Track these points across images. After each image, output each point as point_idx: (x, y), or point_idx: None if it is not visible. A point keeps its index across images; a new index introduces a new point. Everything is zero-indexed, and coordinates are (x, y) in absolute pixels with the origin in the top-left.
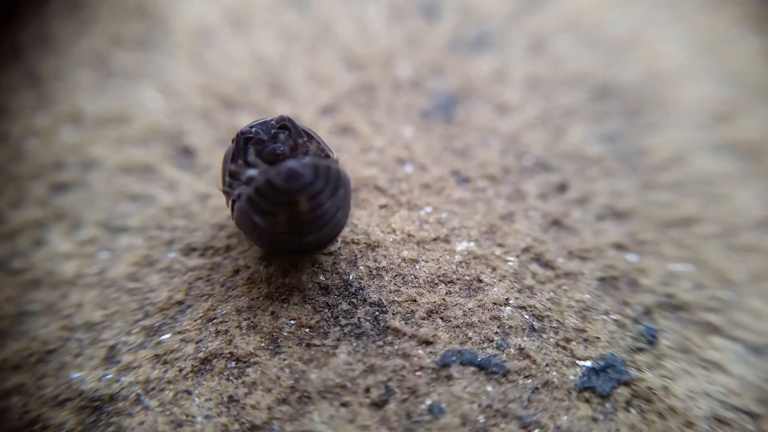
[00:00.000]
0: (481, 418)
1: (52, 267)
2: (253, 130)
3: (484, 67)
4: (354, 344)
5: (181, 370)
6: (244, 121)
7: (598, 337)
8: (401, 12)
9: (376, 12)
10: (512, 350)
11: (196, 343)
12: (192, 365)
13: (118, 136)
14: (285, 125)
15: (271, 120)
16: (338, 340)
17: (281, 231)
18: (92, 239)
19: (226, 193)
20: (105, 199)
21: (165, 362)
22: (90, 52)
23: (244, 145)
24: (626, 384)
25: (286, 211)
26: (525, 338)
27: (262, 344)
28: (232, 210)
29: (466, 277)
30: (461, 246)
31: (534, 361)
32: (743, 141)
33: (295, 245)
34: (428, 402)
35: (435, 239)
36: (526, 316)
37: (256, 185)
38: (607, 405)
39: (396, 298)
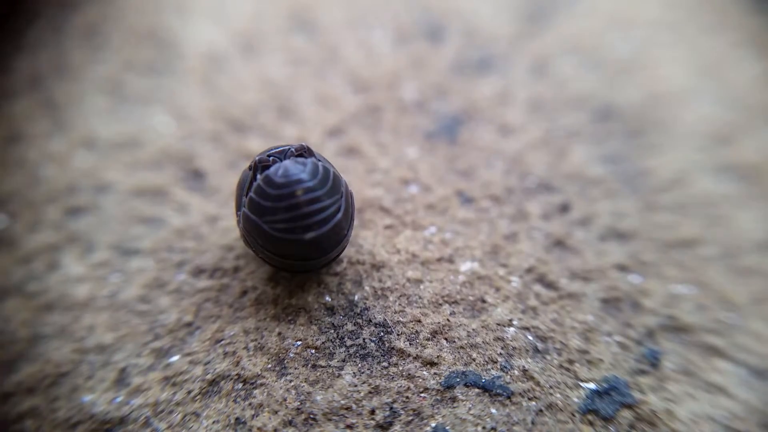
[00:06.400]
0: None
1: (65, 290)
2: (271, 159)
3: (487, 89)
4: (359, 365)
5: (189, 392)
6: (253, 143)
7: (601, 359)
8: (406, 36)
9: (382, 36)
10: (516, 372)
11: (205, 364)
12: (200, 387)
13: (131, 160)
14: (303, 154)
15: (290, 148)
16: (344, 361)
17: (282, 228)
18: (104, 262)
19: (239, 222)
20: (117, 222)
21: (174, 384)
22: (104, 78)
23: (261, 172)
24: (629, 407)
25: (285, 205)
26: (529, 359)
27: (269, 365)
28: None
29: (470, 298)
30: (465, 266)
31: (538, 383)
32: (744, 163)
33: (298, 249)
34: (433, 424)
35: (439, 259)
36: (530, 337)
37: (256, 184)
38: (611, 428)
39: (401, 319)
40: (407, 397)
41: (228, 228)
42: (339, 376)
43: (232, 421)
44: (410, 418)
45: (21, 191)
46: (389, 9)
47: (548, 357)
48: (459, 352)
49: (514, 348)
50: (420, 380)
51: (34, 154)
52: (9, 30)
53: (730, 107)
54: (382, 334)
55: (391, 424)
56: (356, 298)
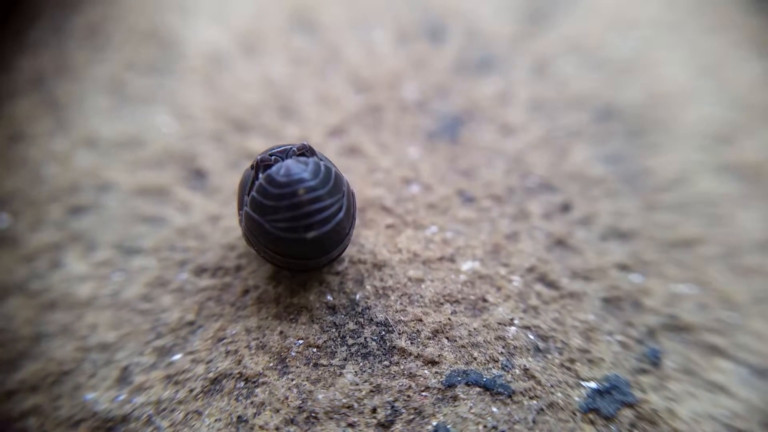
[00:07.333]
0: None
1: (68, 289)
2: (273, 158)
3: (488, 89)
4: (360, 364)
5: (191, 391)
6: (254, 143)
7: (602, 358)
8: (407, 36)
9: (383, 36)
10: (517, 371)
11: (207, 363)
12: (202, 385)
13: (133, 160)
14: (305, 153)
15: (292, 147)
16: (345, 359)
17: (284, 228)
18: (107, 261)
19: (241, 221)
20: (119, 221)
21: (176, 382)
22: (106, 78)
23: (263, 171)
24: (630, 406)
25: (287, 204)
26: (530, 359)
27: (271, 364)
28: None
29: (471, 297)
30: (466, 265)
31: (539, 382)
32: (745, 163)
33: (300, 248)
34: (434, 423)
35: (440, 259)
36: (531, 337)
37: (258, 183)
38: (612, 427)
39: (402, 318)
40: (409, 396)
41: (230, 227)
42: (340, 374)
43: (234, 419)
44: (412, 416)
45: (23, 190)
46: (390, 9)
47: (549, 356)
48: (460, 351)
49: (515, 347)
50: (421, 379)
51: (36, 154)
52: (11, 30)
53: (731, 107)
54: (383, 333)
55: (392, 422)
56: (358, 297)
